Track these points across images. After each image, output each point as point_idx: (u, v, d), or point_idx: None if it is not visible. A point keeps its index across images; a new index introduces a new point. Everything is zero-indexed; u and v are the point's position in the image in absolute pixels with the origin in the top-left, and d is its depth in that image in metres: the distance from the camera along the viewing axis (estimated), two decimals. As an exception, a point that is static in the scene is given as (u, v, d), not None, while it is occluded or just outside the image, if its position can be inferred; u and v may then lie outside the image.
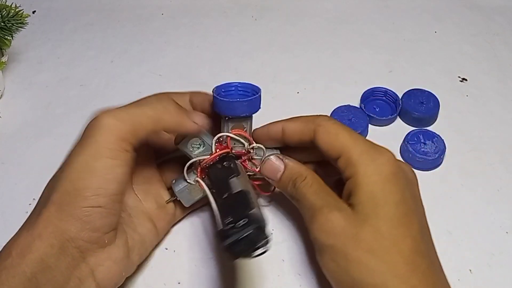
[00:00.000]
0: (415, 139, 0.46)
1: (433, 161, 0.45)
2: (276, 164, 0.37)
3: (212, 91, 0.37)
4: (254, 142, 0.38)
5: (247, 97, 0.36)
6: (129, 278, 0.37)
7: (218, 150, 0.37)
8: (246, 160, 0.38)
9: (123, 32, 0.62)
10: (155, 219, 0.37)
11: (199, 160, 0.36)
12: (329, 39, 0.60)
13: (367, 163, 0.33)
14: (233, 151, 0.37)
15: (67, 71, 0.57)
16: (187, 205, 0.39)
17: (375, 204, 0.31)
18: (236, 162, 0.37)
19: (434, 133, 0.47)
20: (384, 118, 0.49)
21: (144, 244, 0.36)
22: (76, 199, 0.30)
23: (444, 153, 0.45)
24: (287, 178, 0.36)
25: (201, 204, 0.41)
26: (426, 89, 0.51)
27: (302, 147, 0.37)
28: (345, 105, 0.50)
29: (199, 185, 0.37)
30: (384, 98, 0.51)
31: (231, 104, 0.35)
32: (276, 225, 0.41)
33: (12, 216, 0.43)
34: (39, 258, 0.29)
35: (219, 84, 0.37)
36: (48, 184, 0.33)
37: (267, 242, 0.28)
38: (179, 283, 0.38)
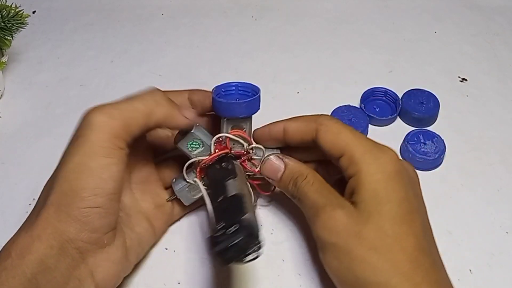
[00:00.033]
0: (415, 139, 0.46)
1: (433, 161, 0.45)
2: (276, 164, 0.37)
3: (212, 91, 0.37)
4: (253, 142, 0.38)
5: (247, 97, 0.36)
6: (129, 278, 0.37)
7: (217, 150, 0.36)
8: (246, 161, 0.38)
9: (123, 32, 0.62)
10: (152, 218, 0.37)
11: (198, 160, 0.37)
12: (329, 39, 0.60)
13: (370, 162, 0.33)
14: (232, 151, 0.37)
15: (67, 71, 0.57)
16: (187, 204, 0.39)
17: (378, 202, 0.31)
18: (235, 162, 0.37)
19: (434, 133, 0.46)
20: (384, 118, 0.49)
21: (141, 244, 0.36)
22: (74, 200, 0.30)
23: (444, 153, 0.45)
24: (287, 177, 0.36)
25: (201, 204, 0.41)
26: (426, 89, 0.51)
27: (303, 146, 0.37)
28: (345, 105, 0.50)
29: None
30: (384, 98, 0.51)
31: (229, 106, 0.35)
32: (276, 225, 0.41)
33: (12, 216, 0.43)
34: (39, 259, 0.29)
35: (219, 84, 0.37)
36: (46, 184, 0.33)
37: (259, 248, 0.28)
38: (179, 283, 0.38)
